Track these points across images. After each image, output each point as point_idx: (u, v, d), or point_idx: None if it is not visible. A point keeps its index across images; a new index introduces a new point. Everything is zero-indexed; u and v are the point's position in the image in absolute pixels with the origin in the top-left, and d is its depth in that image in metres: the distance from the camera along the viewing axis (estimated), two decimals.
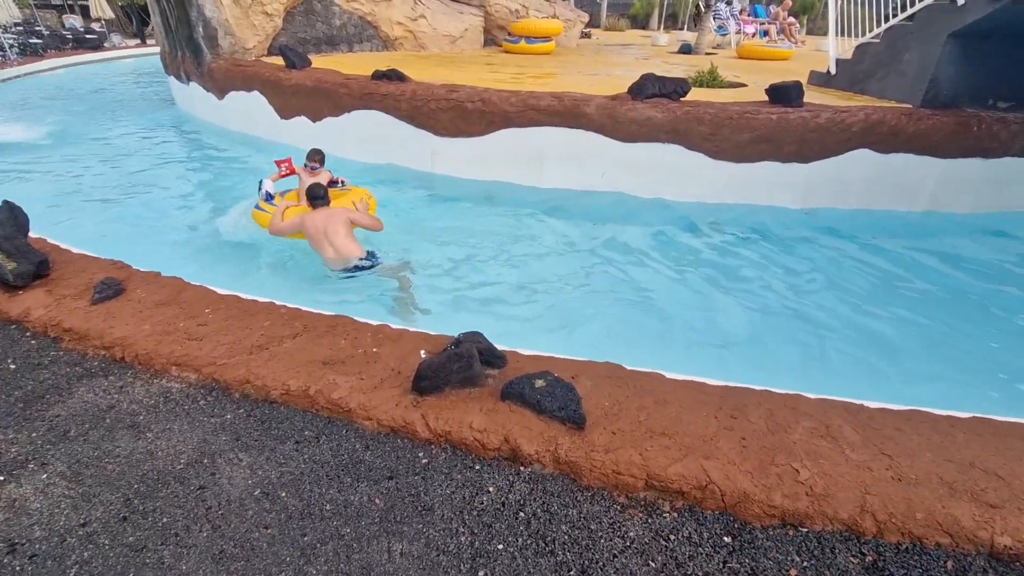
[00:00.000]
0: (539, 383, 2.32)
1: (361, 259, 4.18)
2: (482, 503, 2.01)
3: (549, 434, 2.17)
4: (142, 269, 3.50)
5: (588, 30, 17.34)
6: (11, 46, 17.39)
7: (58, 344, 2.87)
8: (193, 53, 9.01)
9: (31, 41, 18.88)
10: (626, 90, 5.98)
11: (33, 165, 7.52)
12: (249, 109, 8.42)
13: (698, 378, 2.60)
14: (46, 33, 21.44)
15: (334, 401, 2.37)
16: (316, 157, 5.29)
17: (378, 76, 7.08)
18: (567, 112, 5.92)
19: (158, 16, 9.98)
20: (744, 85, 7.58)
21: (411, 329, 2.91)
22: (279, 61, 8.45)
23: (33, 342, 2.89)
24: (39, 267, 3.22)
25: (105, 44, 20.13)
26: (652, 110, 5.68)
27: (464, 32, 12.07)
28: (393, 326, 2.94)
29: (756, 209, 6.03)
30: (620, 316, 4.49)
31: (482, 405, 2.31)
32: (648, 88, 5.75)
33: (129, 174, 7.22)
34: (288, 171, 5.37)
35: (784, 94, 5.66)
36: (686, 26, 20.26)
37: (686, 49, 13.40)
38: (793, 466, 2.06)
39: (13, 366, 2.71)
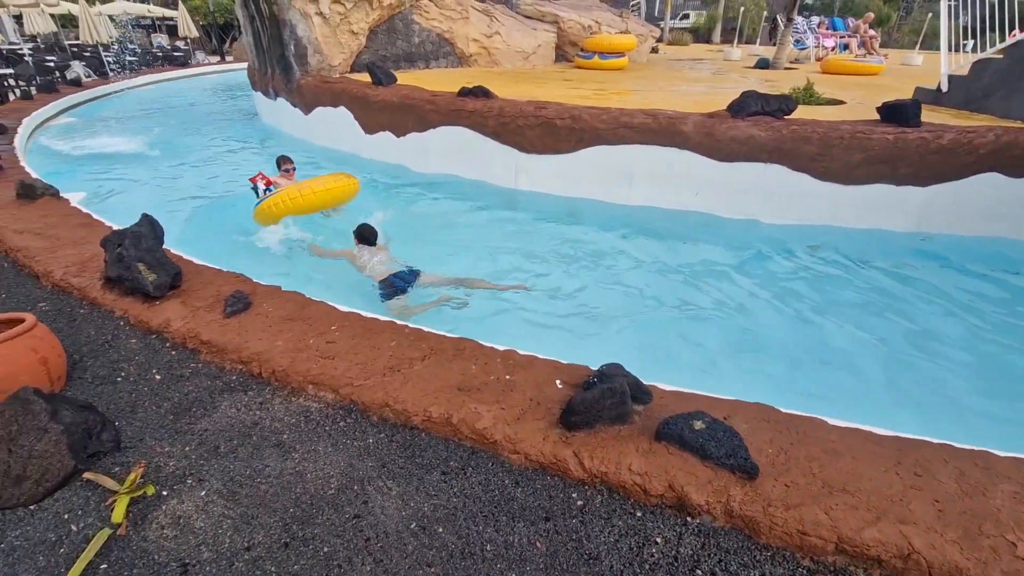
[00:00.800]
0: (698, 424, 2.17)
1: (394, 275, 4.43)
2: (652, 555, 1.87)
3: (718, 483, 2.01)
4: (263, 283, 3.57)
5: (656, 45, 17.14)
6: (110, 63, 18.82)
7: (196, 356, 2.94)
8: (283, 70, 9.41)
9: (127, 59, 20.37)
10: (725, 107, 5.77)
11: (139, 174, 8.00)
12: (335, 124, 8.69)
13: (863, 426, 2.38)
14: (138, 51, 23.13)
15: (479, 431, 2.30)
16: (288, 163, 5.89)
17: (464, 93, 7.15)
18: (662, 130, 5.77)
19: (250, 36, 10.50)
20: (842, 102, 7.21)
21: (540, 356, 2.82)
22: (363, 77, 8.71)
23: (173, 353, 2.98)
24: (174, 279, 3.34)
25: (191, 61, 21.38)
26: (754, 128, 5.45)
27: (537, 48, 12.14)
28: (521, 352, 2.85)
29: (864, 233, 5.67)
30: (722, 342, 4.28)
31: (637, 445, 2.18)
32: (750, 105, 5.53)
33: (223, 183, 7.56)
34: (266, 183, 5.64)
35: (900, 113, 5.32)
36: (758, 40, 19.67)
37: (763, 64, 13.00)
38: (1007, 538, 1.82)
39: (158, 376, 2.79)
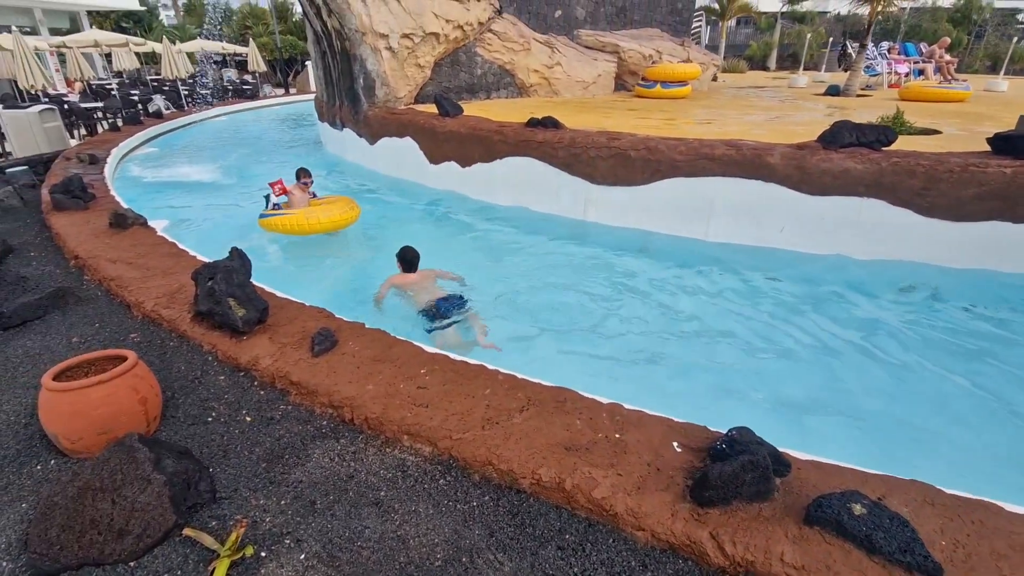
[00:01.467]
0: (857, 509, 1.87)
1: (441, 299, 4.38)
2: None
3: None
4: (347, 319, 3.49)
5: (716, 73, 16.87)
6: (186, 96, 20.07)
7: (286, 397, 2.85)
8: (351, 102, 9.68)
9: (201, 92, 21.72)
10: (816, 138, 5.46)
11: (215, 200, 8.30)
12: (400, 153, 8.81)
13: None
14: (211, 85, 24.68)
15: (596, 501, 2.07)
16: (306, 175, 6.34)
17: (534, 124, 7.09)
18: (746, 162, 5.50)
19: (320, 70, 10.92)
20: (938, 132, 6.74)
21: (649, 412, 2.57)
22: (429, 108, 8.83)
23: (262, 392, 2.90)
24: (262, 314, 3.29)
25: (259, 94, 22.56)
26: (849, 160, 5.11)
27: (597, 78, 12.10)
28: (627, 407, 2.62)
29: (973, 273, 5.18)
30: (818, 394, 3.91)
31: (786, 530, 1.90)
32: (844, 136, 5.20)
33: None
34: (281, 191, 6.12)
35: (1018, 145, 4.86)
36: (823, 66, 19.09)
37: (834, 90, 12.51)
38: None
39: (249, 418, 2.70)
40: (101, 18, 33.04)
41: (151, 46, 20.79)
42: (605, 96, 12.20)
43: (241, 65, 39.10)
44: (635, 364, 4.24)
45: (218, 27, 40.17)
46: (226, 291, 3.21)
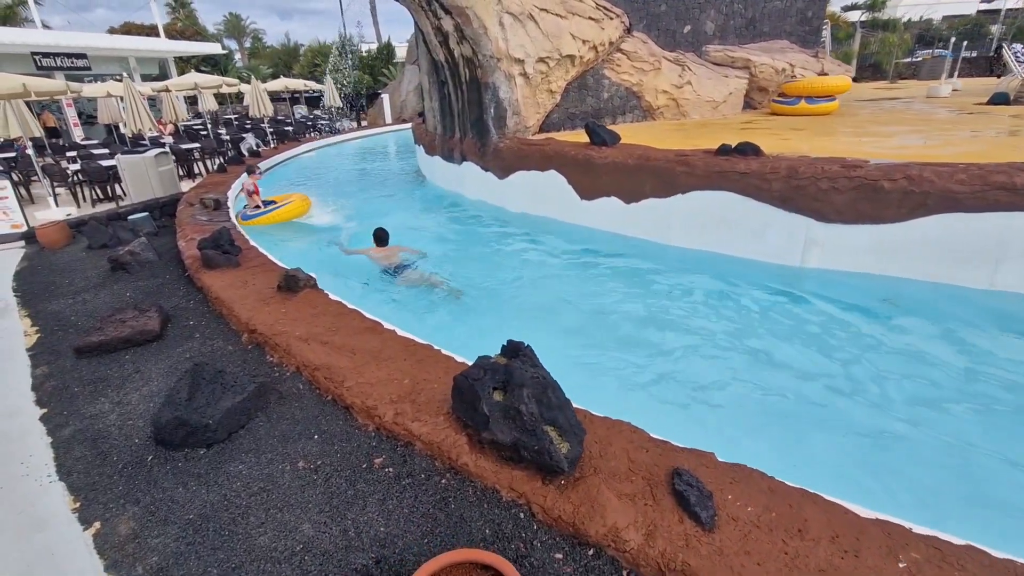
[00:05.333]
0: None
1: (399, 265, 6.08)
2: None
3: None
4: (684, 446, 2.42)
5: None
6: (272, 133, 20.23)
7: None
8: (478, 134, 8.89)
9: (284, 129, 21.92)
10: None
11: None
12: (539, 189, 7.89)
13: None
14: (293, 122, 25.06)
15: None
16: (256, 169, 8.89)
17: (726, 151, 6.01)
18: None
19: (436, 101, 10.26)
20: None
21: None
22: (564, 137, 7.91)
23: None
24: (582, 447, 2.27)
25: (341, 128, 22.61)
26: None
27: (728, 96, 10.98)
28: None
29: None
30: None
31: None
32: None
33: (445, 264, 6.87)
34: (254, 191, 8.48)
35: None
36: (956, 73, 17.32)
37: (1001, 99, 10.87)
38: None
39: None
40: (183, 63, 34.73)
41: (241, 87, 21.10)
42: (736, 116, 11.03)
43: (311, 101, 40.39)
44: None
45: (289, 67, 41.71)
46: (541, 415, 2.20)
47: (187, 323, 4.54)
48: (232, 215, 7.86)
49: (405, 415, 2.72)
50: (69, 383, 3.71)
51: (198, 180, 12.38)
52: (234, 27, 51.13)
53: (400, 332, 3.72)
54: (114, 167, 10.16)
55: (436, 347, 3.46)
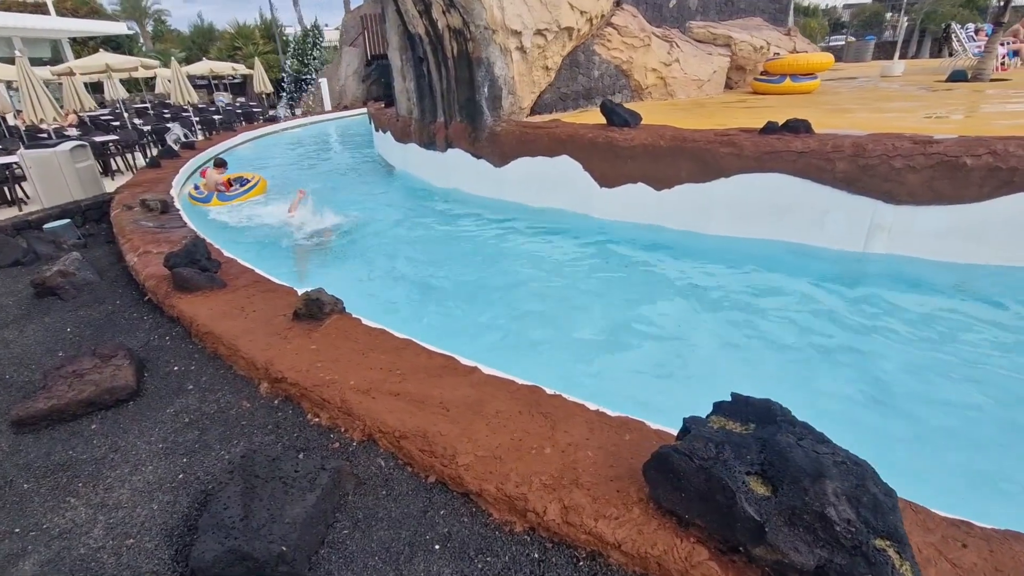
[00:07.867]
0: None
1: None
2: None
3: None
4: None
5: None
6: (198, 123, 18.04)
7: None
8: (469, 117, 7.92)
9: (212, 118, 19.64)
10: None
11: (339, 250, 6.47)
12: (547, 177, 7.09)
13: None
14: (221, 111, 22.54)
15: None
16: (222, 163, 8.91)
17: (772, 129, 5.46)
18: None
19: (410, 81, 9.14)
20: None
21: None
22: (568, 118, 7.14)
23: None
24: None
25: (279, 117, 20.63)
26: None
27: (712, 75, 10.58)
28: None
29: None
30: None
31: None
32: None
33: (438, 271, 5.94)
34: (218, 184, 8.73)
35: None
36: (914, 51, 17.87)
37: (959, 76, 11.08)
38: None
39: None
40: (79, 46, 30.74)
41: (159, 70, 18.66)
42: (720, 95, 10.65)
43: (235, 88, 37.05)
44: None
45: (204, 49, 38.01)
46: (866, 522, 1.45)
47: (169, 368, 3.42)
48: (185, 217, 6.50)
49: (581, 510, 1.89)
50: (12, 477, 2.58)
51: (120, 178, 10.58)
52: (134, 7, 45.94)
53: (485, 369, 2.84)
54: (10, 165, 8.35)
55: (550, 390, 2.62)
